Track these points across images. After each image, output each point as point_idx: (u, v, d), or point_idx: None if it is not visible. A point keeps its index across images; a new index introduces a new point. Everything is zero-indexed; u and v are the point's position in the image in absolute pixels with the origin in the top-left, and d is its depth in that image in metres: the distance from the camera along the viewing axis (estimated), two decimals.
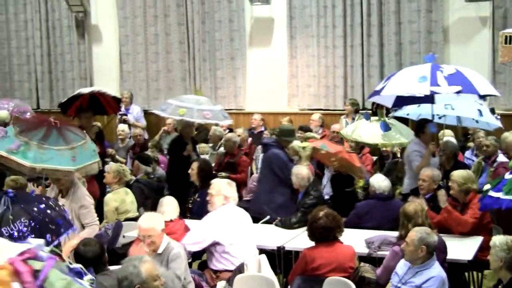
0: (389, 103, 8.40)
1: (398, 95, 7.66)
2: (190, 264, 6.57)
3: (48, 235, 4.28)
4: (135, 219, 7.84)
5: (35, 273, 2.46)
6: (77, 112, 9.42)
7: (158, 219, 5.95)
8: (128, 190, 8.49)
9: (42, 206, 4.50)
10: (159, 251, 5.71)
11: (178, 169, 9.21)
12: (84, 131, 7.34)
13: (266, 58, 13.27)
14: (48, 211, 4.44)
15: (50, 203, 4.68)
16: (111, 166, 8.64)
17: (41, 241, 2.63)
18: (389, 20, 12.22)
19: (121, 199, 8.19)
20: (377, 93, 7.52)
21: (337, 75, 12.74)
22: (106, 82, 14.36)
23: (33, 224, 4.23)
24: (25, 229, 4.18)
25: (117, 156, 10.89)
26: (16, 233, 4.12)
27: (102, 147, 9.44)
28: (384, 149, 9.84)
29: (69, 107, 9.50)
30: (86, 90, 9.62)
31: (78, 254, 5.07)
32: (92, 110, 9.47)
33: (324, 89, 12.88)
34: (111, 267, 5.24)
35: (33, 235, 4.12)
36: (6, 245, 2.54)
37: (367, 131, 9.10)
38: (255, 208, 7.97)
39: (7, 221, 4.20)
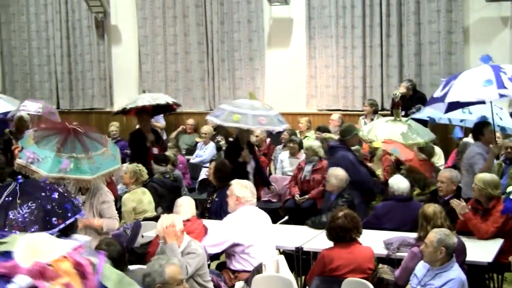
0: (442, 108, 8.23)
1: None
2: (208, 265, 6.57)
3: (54, 219, 4.34)
4: (153, 219, 7.87)
5: (93, 267, 2.52)
6: (137, 113, 9.61)
7: (176, 219, 5.97)
8: (146, 190, 8.51)
9: (50, 191, 4.55)
10: (180, 250, 5.72)
11: (234, 176, 8.99)
12: (105, 136, 7.23)
13: (284, 58, 13.27)
14: (56, 196, 4.49)
15: (59, 189, 4.72)
16: (128, 166, 8.66)
17: (87, 238, 2.68)
18: (409, 20, 12.17)
19: (138, 199, 8.21)
20: (438, 100, 7.27)
21: (356, 75, 12.71)
22: (125, 83, 14.46)
23: (39, 207, 4.29)
24: (29, 212, 4.24)
25: None
26: (21, 217, 4.19)
27: (160, 149, 9.59)
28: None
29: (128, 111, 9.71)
30: (141, 102, 9.54)
31: None
32: (153, 109, 9.59)
33: (342, 89, 12.85)
34: (130, 267, 5.27)
35: (39, 218, 4.20)
36: (56, 240, 2.59)
37: (383, 131, 9.04)
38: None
39: (14, 205, 4.27)
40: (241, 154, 9.13)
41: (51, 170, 6.00)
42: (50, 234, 4.02)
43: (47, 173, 5.92)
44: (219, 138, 11.54)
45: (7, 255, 2.46)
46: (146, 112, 9.57)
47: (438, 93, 7.36)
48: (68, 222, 4.34)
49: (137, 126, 10.20)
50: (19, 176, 4.61)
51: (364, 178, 8.20)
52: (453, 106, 7.71)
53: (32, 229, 4.12)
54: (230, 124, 9.19)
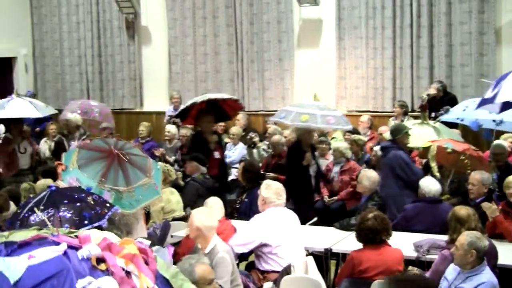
0: (496, 109, 8.12)
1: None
2: (237, 265, 6.59)
3: (66, 225, 4.44)
4: (181, 218, 7.91)
5: (155, 258, 2.68)
6: (196, 117, 9.55)
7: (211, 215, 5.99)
8: (174, 190, 8.54)
9: (74, 200, 4.62)
10: (206, 250, 5.73)
11: (296, 179, 8.87)
12: (150, 162, 6.95)
13: (314, 59, 13.24)
14: (78, 205, 4.56)
15: (88, 198, 4.77)
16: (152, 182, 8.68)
17: (148, 242, 2.80)
18: (440, 21, 12.07)
19: (166, 198, 8.25)
20: (488, 101, 7.19)
21: (386, 76, 12.64)
22: (155, 83, 14.54)
23: (56, 214, 4.38)
24: (46, 217, 4.34)
25: (167, 157, 10.98)
26: (36, 219, 4.29)
27: (222, 154, 9.57)
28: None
29: (186, 117, 9.75)
30: (200, 98, 9.60)
31: None
32: (213, 114, 9.53)
33: (372, 91, 12.79)
34: None
35: (52, 224, 4.30)
36: (113, 235, 2.76)
37: (413, 135, 8.95)
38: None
39: (35, 212, 4.37)
40: (304, 157, 8.91)
41: None
42: None
43: None
44: (252, 134, 11.53)
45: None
46: (206, 114, 9.48)
47: (488, 94, 7.25)
48: (82, 229, 4.41)
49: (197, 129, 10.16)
50: (52, 184, 4.69)
51: (419, 177, 8.05)
52: (507, 106, 7.62)
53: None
54: (299, 124, 8.95)
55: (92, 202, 4.60)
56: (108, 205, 4.80)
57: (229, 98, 9.95)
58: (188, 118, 9.91)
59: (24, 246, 2.61)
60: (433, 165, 8.27)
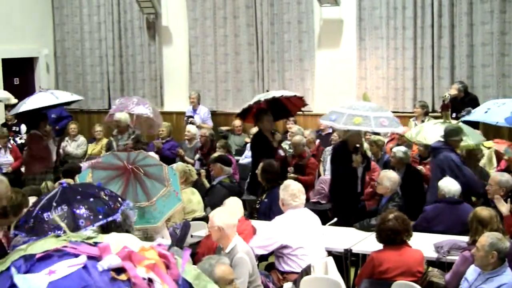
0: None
1: None
2: (256, 265, 6.60)
3: (81, 221, 4.47)
4: (202, 219, 7.93)
5: (177, 261, 2.64)
6: (257, 115, 9.44)
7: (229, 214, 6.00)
8: (195, 190, 8.57)
9: (87, 196, 4.67)
10: (227, 250, 5.75)
11: (342, 181, 8.68)
12: (165, 168, 6.86)
13: (334, 59, 13.22)
14: (91, 200, 4.62)
15: (101, 193, 4.82)
16: (177, 166, 8.72)
17: (169, 242, 2.79)
18: (461, 21, 12.00)
19: (187, 199, 8.28)
20: None
21: (407, 77, 12.60)
22: (176, 83, 14.59)
23: (70, 210, 4.43)
24: (60, 214, 4.38)
25: (185, 157, 11.02)
26: (50, 216, 4.33)
27: (284, 152, 9.41)
28: None
29: (246, 115, 9.70)
30: (263, 96, 9.48)
31: None
32: (271, 112, 9.38)
33: (393, 91, 12.75)
34: None
35: (69, 220, 4.35)
36: (138, 240, 2.71)
37: (432, 133, 8.92)
38: None
39: (50, 207, 4.42)
40: (353, 159, 8.62)
41: None
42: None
43: None
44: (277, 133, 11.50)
45: (97, 244, 2.60)
46: (265, 112, 9.34)
47: None
48: (96, 224, 4.45)
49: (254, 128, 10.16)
50: (64, 181, 4.73)
51: (470, 180, 7.93)
52: None
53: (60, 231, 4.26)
54: (351, 128, 8.58)
55: (105, 197, 4.65)
56: (120, 199, 4.84)
57: (294, 95, 9.77)
58: (249, 116, 9.79)
59: (44, 259, 2.57)
60: (488, 164, 8.12)
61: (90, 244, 2.64)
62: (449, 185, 7.46)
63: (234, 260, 5.62)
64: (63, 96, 10.91)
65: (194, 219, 8.04)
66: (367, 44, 12.87)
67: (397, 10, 12.52)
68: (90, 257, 2.53)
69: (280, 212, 6.93)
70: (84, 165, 6.45)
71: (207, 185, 10.01)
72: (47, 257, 2.56)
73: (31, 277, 2.47)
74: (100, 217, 4.54)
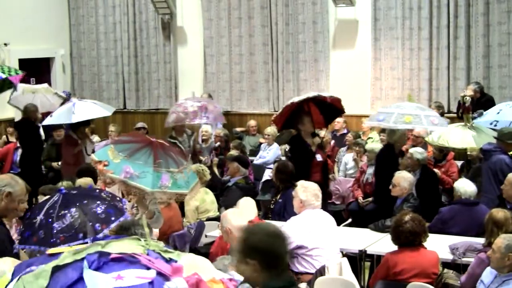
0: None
1: None
2: None
3: (97, 225, 4.47)
4: (216, 218, 7.93)
5: None
6: (297, 117, 8.99)
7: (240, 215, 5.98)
8: (208, 190, 8.58)
9: (92, 198, 4.68)
10: None
11: (385, 184, 8.32)
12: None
13: (349, 60, 13.19)
14: (98, 202, 4.62)
15: (102, 194, 4.84)
16: (191, 166, 8.73)
17: (241, 277, 2.79)
18: (477, 22, 11.94)
19: (201, 198, 8.29)
20: None
21: (422, 77, 12.54)
22: (190, 83, 14.61)
23: (82, 215, 4.43)
24: (72, 221, 4.39)
25: (200, 157, 11.03)
26: (66, 228, 4.33)
27: (324, 155, 9.09)
28: (469, 153, 9.59)
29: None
30: (297, 98, 9.08)
31: None
32: (310, 115, 8.97)
33: (408, 91, 12.69)
34: None
35: (83, 226, 4.36)
36: (214, 268, 2.75)
37: (455, 136, 8.85)
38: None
39: (58, 216, 4.42)
40: (396, 161, 8.48)
41: (153, 186, 5.75)
42: (97, 238, 4.17)
43: (151, 189, 5.71)
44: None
45: (172, 261, 2.64)
46: (305, 114, 8.97)
47: None
48: (112, 225, 4.46)
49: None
50: (62, 187, 4.75)
51: None
52: None
53: (80, 236, 4.26)
54: (401, 127, 8.46)
55: (107, 198, 4.65)
56: (118, 198, 4.85)
57: (330, 96, 9.35)
58: (281, 118, 9.37)
59: (117, 260, 2.59)
60: None
61: (165, 259, 2.65)
62: (465, 186, 7.42)
63: None
64: (107, 108, 10.87)
65: (208, 219, 8.05)
66: (382, 45, 12.83)
67: (413, 11, 12.47)
68: (159, 274, 2.54)
69: (294, 212, 6.93)
70: (100, 144, 6.33)
71: (217, 174, 10.06)
72: (120, 260, 2.58)
73: (99, 276, 2.49)
74: (113, 218, 4.55)
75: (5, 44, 13.66)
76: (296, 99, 9.02)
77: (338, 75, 13.27)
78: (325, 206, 8.97)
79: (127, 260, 2.58)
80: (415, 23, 12.47)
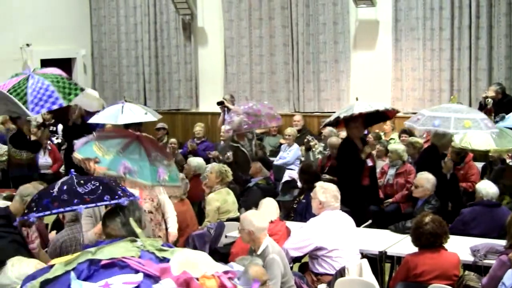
0: None
1: None
2: (290, 267, 6.59)
3: (120, 192, 4.46)
4: (236, 219, 7.93)
5: None
6: (345, 121, 8.79)
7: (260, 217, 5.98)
8: (230, 190, 8.58)
9: (100, 181, 4.66)
10: (258, 252, 5.74)
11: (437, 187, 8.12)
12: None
13: (370, 61, 13.15)
14: (106, 181, 4.61)
15: (105, 180, 4.83)
16: (213, 167, 8.75)
17: (241, 268, 2.78)
18: (499, 22, 11.85)
19: (223, 199, 8.30)
20: None
21: (443, 78, 12.48)
22: (211, 84, 14.65)
23: (102, 184, 4.42)
24: (95, 186, 4.38)
25: (220, 157, 11.05)
26: (89, 190, 4.32)
27: (373, 161, 8.82)
28: (491, 154, 9.52)
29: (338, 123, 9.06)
30: (357, 110, 8.54)
31: None
32: (359, 121, 8.64)
33: (429, 92, 12.64)
34: None
35: (106, 190, 4.34)
36: (211, 262, 2.71)
37: (477, 138, 8.78)
38: None
39: (79, 183, 4.40)
40: (441, 163, 8.31)
41: (152, 180, 5.68)
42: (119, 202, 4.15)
43: (151, 183, 5.67)
44: (309, 137, 11.48)
45: (165, 261, 2.64)
46: (352, 119, 8.59)
47: None
48: (113, 202, 4.45)
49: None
50: (72, 170, 4.75)
51: None
52: None
53: (105, 198, 4.24)
54: (463, 132, 8.17)
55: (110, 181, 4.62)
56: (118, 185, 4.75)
57: (393, 109, 9.09)
58: (341, 122, 9.14)
59: (108, 267, 2.60)
60: None
61: (158, 259, 2.66)
62: (487, 188, 7.37)
63: (266, 261, 5.62)
64: (154, 113, 10.95)
65: (228, 220, 8.05)
66: (403, 45, 12.78)
67: (434, 11, 12.40)
68: (148, 276, 2.55)
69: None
70: (79, 141, 6.01)
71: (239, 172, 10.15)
72: (111, 266, 2.59)
73: (87, 286, 2.51)
74: (119, 195, 4.53)
75: (28, 45, 13.79)
76: (361, 110, 8.49)
77: (359, 76, 13.24)
78: (381, 211, 9.02)
79: (118, 265, 2.59)
80: (437, 24, 12.41)
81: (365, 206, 8.36)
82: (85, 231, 5.79)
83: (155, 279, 2.54)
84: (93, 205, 4.29)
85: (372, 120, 9.15)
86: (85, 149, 5.79)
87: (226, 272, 2.63)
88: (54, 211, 4.32)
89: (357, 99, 9.07)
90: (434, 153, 8.50)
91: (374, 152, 9.66)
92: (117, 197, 4.28)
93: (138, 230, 2.96)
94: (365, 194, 8.36)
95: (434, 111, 8.32)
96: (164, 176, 5.70)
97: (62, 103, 8.34)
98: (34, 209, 4.30)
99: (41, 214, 4.38)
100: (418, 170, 8.67)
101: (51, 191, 4.34)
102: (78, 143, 5.92)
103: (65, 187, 4.32)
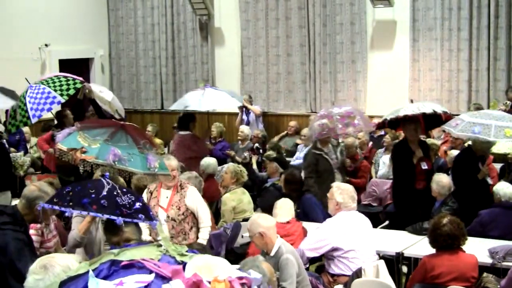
0: None
1: None
2: (307, 268, 6.57)
3: (152, 213, 4.50)
4: None
5: None
6: (402, 123, 8.56)
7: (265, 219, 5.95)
8: (245, 190, 8.58)
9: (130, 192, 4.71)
10: (272, 253, 5.72)
11: (466, 191, 8.01)
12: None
13: (387, 61, 13.10)
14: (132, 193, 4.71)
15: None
16: (228, 167, 8.76)
17: (259, 275, 2.80)
18: None
19: (238, 198, 8.31)
20: None
21: (461, 79, 12.41)
22: (228, 84, 14.62)
23: (138, 200, 4.45)
24: (132, 201, 4.41)
25: (236, 157, 11.05)
26: (128, 204, 4.35)
27: (430, 164, 8.52)
28: (510, 156, 9.45)
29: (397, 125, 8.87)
30: (403, 112, 8.31)
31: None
32: (415, 123, 8.39)
33: (447, 93, 12.57)
34: None
35: (139, 208, 4.38)
36: (227, 267, 2.74)
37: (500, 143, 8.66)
38: None
39: (118, 193, 4.43)
40: (476, 167, 8.12)
41: (143, 168, 5.64)
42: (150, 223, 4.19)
43: (143, 171, 5.64)
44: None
45: (182, 264, 2.70)
46: (408, 121, 8.36)
47: None
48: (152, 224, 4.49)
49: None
50: (107, 173, 4.74)
51: None
52: None
53: (140, 216, 4.27)
54: (504, 140, 7.93)
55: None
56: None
57: (444, 112, 8.73)
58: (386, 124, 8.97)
59: (127, 267, 2.68)
60: None
61: (177, 262, 2.72)
62: (504, 189, 7.32)
63: (280, 262, 5.60)
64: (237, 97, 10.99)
65: (244, 220, 8.04)
66: (420, 46, 12.72)
67: (452, 11, 12.34)
68: (160, 276, 2.60)
69: (317, 215, 6.86)
70: (62, 132, 5.87)
71: (256, 172, 10.13)
72: (130, 266, 2.68)
73: (102, 284, 2.60)
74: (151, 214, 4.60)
75: (46, 45, 13.87)
76: (408, 112, 8.27)
77: (376, 76, 13.20)
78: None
79: (136, 266, 2.67)
80: (455, 24, 12.34)
81: (417, 209, 8.00)
82: (72, 229, 5.71)
83: (167, 279, 2.59)
84: (129, 220, 4.31)
85: (433, 123, 8.93)
86: (69, 140, 5.75)
87: (240, 278, 2.64)
88: (91, 213, 4.36)
89: (411, 101, 8.86)
90: (471, 155, 8.32)
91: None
92: (148, 218, 4.34)
93: (163, 235, 3.02)
94: (417, 198, 8.06)
95: (474, 117, 8.05)
96: (155, 164, 5.65)
97: (60, 100, 8.33)
98: (71, 203, 4.32)
99: (77, 212, 4.41)
100: (453, 171, 8.54)
101: (90, 191, 4.36)
102: (60, 135, 5.86)
103: (104, 193, 4.34)
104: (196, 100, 10.18)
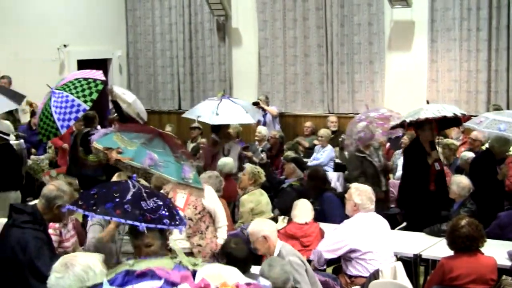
0: None
1: None
2: (324, 269, 6.56)
3: (178, 217, 4.51)
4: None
5: None
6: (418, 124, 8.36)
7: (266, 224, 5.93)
8: (263, 191, 8.57)
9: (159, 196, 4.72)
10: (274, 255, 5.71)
11: (484, 193, 7.95)
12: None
13: (405, 62, 13.05)
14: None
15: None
16: (246, 168, 8.75)
17: (268, 283, 2.83)
18: None
19: (256, 200, 8.30)
20: None
21: (480, 80, 12.33)
22: (245, 85, 14.67)
23: (164, 204, 4.46)
24: (156, 206, 4.41)
25: (254, 158, 11.05)
26: (151, 209, 4.34)
27: (441, 164, 8.43)
28: None
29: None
30: (423, 115, 8.14)
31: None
32: (430, 124, 8.22)
33: (465, 94, 12.50)
34: None
35: (169, 213, 4.39)
36: (236, 274, 2.78)
37: None
38: None
39: (143, 197, 4.43)
40: (495, 169, 8.10)
41: (178, 177, 5.51)
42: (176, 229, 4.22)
43: (177, 180, 5.49)
44: (344, 136, 11.40)
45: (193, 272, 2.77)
46: (429, 122, 8.18)
47: None
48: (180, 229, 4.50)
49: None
50: (134, 175, 4.74)
51: None
52: None
53: (165, 221, 4.28)
54: None
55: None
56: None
57: (463, 115, 8.52)
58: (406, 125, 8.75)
59: (141, 276, 2.76)
60: None
61: (189, 271, 2.79)
62: None
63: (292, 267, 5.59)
64: (254, 114, 10.63)
65: None
66: (439, 46, 12.66)
67: (471, 11, 12.27)
68: (169, 282, 2.67)
69: (336, 215, 6.84)
70: (98, 132, 5.83)
71: (273, 173, 10.13)
72: (143, 275, 2.76)
73: None
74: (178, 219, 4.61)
75: (65, 46, 13.95)
76: (429, 115, 8.11)
77: (394, 77, 13.15)
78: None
79: (149, 274, 2.75)
80: (474, 24, 12.27)
81: (429, 211, 7.95)
82: (91, 238, 5.67)
83: (176, 285, 2.66)
84: (153, 226, 4.27)
85: (445, 124, 8.82)
86: (105, 140, 5.64)
87: (248, 284, 2.65)
88: (114, 218, 4.30)
89: (428, 102, 8.78)
90: (490, 157, 8.29)
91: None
92: (173, 223, 4.33)
93: (176, 247, 3.08)
94: (431, 199, 8.00)
95: (499, 115, 8.04)
96: (189, 175, 5.58)
97: (85, 108, 8.08)
98: (94, 207, 4.30)
99: (100, 217, 4.40)
100: (471, 173, 8.47)
101: (114, 194, 4.34)
102: (96, 134, 5.81)
103: (129, 197, 4.31)
104: (209, 112, 10.05)
